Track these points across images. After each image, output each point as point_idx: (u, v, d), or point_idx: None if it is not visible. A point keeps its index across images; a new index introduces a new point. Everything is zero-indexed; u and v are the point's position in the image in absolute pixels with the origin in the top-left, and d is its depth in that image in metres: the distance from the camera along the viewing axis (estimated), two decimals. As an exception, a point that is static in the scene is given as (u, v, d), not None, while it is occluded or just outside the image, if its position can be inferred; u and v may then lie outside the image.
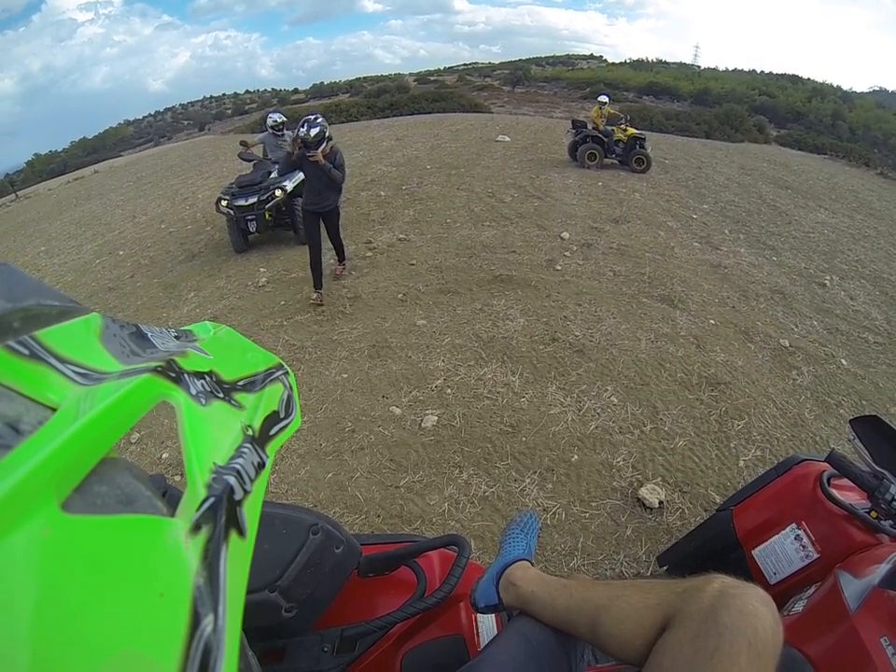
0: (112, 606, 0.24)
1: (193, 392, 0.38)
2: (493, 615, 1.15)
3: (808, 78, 52.53)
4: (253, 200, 6.53)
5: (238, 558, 0.33)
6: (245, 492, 0.36)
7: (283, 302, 5.18)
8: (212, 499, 0.32)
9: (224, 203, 6.58)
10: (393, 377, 3.79)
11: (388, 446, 3.17)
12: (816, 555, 1.42)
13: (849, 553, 1.33)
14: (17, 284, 0.33)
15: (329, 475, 3.02)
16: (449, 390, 3.60)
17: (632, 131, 10.77)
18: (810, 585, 1.35)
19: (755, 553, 1.56)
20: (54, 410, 0.27)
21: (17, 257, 10.25)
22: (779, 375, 3.92)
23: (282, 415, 0.49)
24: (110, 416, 0.29)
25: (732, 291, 5.27)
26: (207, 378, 0.41)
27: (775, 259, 6.64)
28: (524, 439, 3.15)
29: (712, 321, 4.53)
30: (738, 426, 3.29)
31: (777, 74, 55.05)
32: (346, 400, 3.60)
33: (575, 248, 6.00)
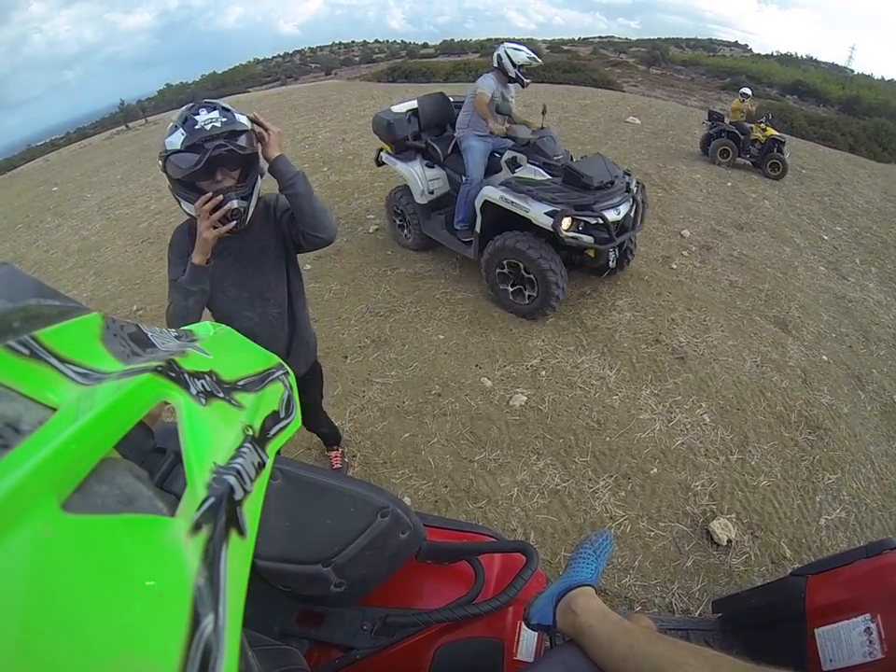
0: (112, 606, 0.24)
1: (193, 392, 0.38)
2: (535, 636, 1.13)
3: None
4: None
5: (238, 558, 0.33)
6: (246, 492, 0.36)
7: (389, 253, 5.21)
8: (212, 499, 0.32)
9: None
10: (490, 347, 3.77)
11: (471, 417, 3.17)
12: (880, 655, 1.32)
13: None
14: (17, 284, 0.33)
15: (406, 435, 3.06)
16: (543, 372, 3.55)
17: (771, 131, 10.00)
18: None
19: (818, 632, 1.47)
20: (54, 410, 0.27)
21: (139, 176, 10.82)
22: (885, 435, 3.58)
23: (282, 415, 0.50)
24: (110, 416, 0.29)
25: (852, 329, 4.86)
26: (207, 378, 0.42)
27: None
28: (607, 438, 3.09)
29: (825, 357, 4.21)
30: (829, 479, 3.07)
31: None
32: (438, 363, 3.60)
33: (694, 249, 5.72)
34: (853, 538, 2.70)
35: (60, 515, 0.24)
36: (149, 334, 0.43)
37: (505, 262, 3.94)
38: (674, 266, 5.19)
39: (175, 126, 1.54)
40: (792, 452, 3.19)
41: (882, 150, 24.38)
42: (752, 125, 10.15)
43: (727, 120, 10.23)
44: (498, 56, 4.26)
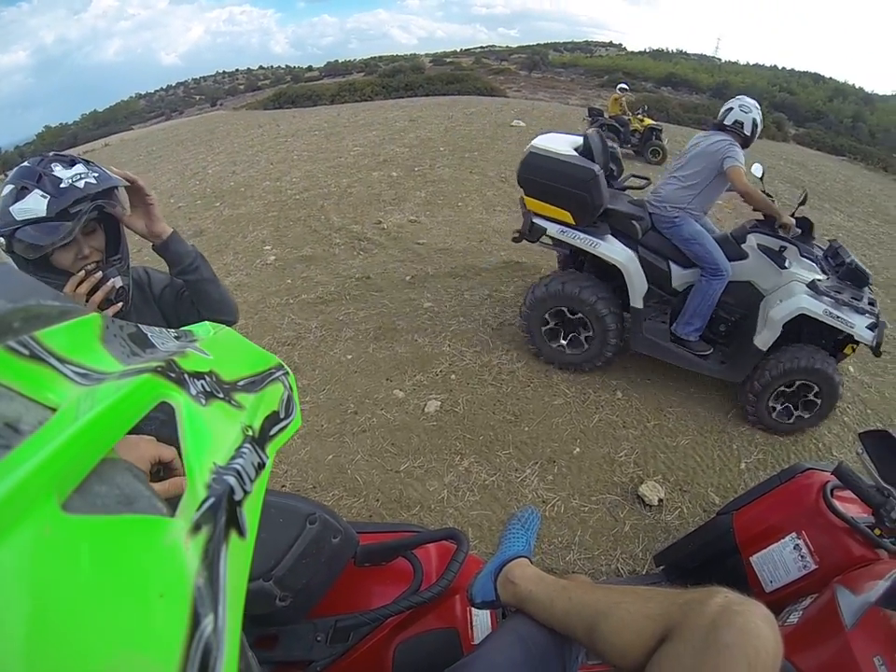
0: (112, 606, 0.24)
1: (193, 392, 0.37)
2: (488, 615, 1.15)
3: (830, 78, 52.43)
4: None
5: (238, 558, 0.33)
6: (245, 492, 0.36)
7: (289, 281, 5.15)
8: (212, 500, 0.32)
9: None
10: (398, 360, 3.77)
11: (390, 430, 3.16)
12: (814, 566, 1.43)
13: (848, 568, 1.33)
14: (17, 284, 0.33)
15: (330, 457, 3.02)
16: (454, 375, 3.58)
17: (649, 121, 10.69)
18: (806, 597, 1.36)
19: (753, 559, 1.56)
20: (54, 410, 0.27)
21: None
22: None
23: (282, 415, 0.49)
24: (110, 416, 0.28)
25: None
26: (207, 378, 0.41)
27: None
28: (526, 428, 3.14)
29: None
30: (742, 427, 3.28)
31: (798, 71, 54.83)
32: (350, 382, 3.59)
33: None
34: (773, 474, 2.89)
35: (60, 515, 0.24)
36: (149, 334, 0.42)
37: (782, 385, 3.15)
38: None
39: (27, 188, 1.20)
40: (704, 409, 3.38)
41: (754, 128, 26.15)
42: (630, 117, 10.72)
43: (607, 115, 10.73)
44: (741, 121, 3.34)
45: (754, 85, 43.47)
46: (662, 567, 2.16)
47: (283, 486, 2.89)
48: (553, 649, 0.90)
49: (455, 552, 1.07)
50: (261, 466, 0.40)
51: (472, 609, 1.13)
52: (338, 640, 1.03)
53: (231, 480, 0.34)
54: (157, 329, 0.45)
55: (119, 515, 0.27)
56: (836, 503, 1.44)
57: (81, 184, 1.21)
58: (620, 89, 11.13)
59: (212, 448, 0.36)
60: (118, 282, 1.32)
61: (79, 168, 1.24)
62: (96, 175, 1.25)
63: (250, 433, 0.41)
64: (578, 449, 3.01)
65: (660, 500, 2.71)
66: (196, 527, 0.30)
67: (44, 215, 1.17)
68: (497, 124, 13.03)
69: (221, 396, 0.41)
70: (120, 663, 0.23)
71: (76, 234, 1.22)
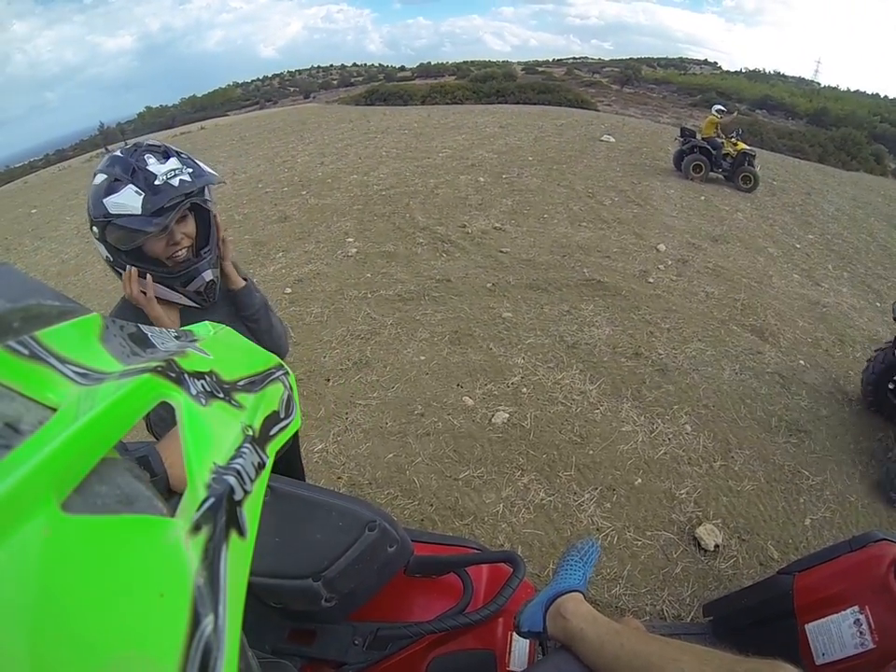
0: (112, 606, 0.24)
1: (193, 392, 0.38)
2: (527, 644, 1.13)
3: None
4: None
5: (238, 558, 0.33)
6: (246, 492, 0.36)
7: (369, 275, 5.23)
8: (212, 500, 0.32)
9: None
10: (471, 367, 3.78)
11: (455, 436, 3.17)
12: (872, 646, 1.35)
13: None
14: (17, 284, 0.33)
15: (390, 455, 3.05)
16: (525, 389, 3.55)
17: (742, 146, 10.22)
18: None
19: (809, 627, 1.49)
20: (54, 410, 0.27)
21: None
22: (866, 435, 3.62)
23: (282, 415, 0.50)
24: (110, 416, 0.28)
25: (827, 333, 4.95)
26: (207, 378, 0.41)
27: (878, 304, 6.18)
28: (591, 452, 3.09)
29: (802, 362, 4.28)
30: (812, 481, 3.10)
31: None
32: (420, 383, 3.61)
33: (670, 262, 5.82)
34: (839, 535, 2.72)
35: (60, 515, 0.24)
36: (149, 334, 0.43)
37: None
38: (651, 280, 5.25)
39: (120, 180, 1.18)
40: (775, 456, 3.22)
41: (850, 159, 24.93)
42: (723, 140, 10.32)
43: (699, 136, 10.37)
44: None
45: (854, 113, 41.13)
46: (710, 619, 2.08)
47: (339, 478, 2.93)
48: None
49: (511, 577, 1.05)
50: (261, 466, 0.40)
51: (513, 634, 1.10)
52: (375, 647, 1.03)
53: (232, 480, 0.35)
54: (157, 328, 0.45)
55: (119, 515, 0.28)
56: None
57: (176, 181, 1.19)
58: (717, 110, 10.70)
59: (212, 448, 0.36)
60: (208, 275, 1.33)
61: (174, 163, 1.22)
62: (191, 170, 1.23)
63: (250, 433, 0.41)
64: (639, 480, 2.94)
65: (716, 546, 2.61)
66: (196, 527, 0.30)
67: (139, 213, 1.16)
68: (586, 137, 12.91)
69: (221, 396, 0.42)
70: (121, 662, 0.23)
71: (169, 227, 1.23)
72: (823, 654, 1.43)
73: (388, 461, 3.00)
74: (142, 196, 1.16)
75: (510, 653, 1.09)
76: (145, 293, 1.28)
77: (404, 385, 3.59)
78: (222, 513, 0.32)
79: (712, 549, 2.58)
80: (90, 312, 0.36)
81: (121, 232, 1.19)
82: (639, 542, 2.61)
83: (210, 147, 17.58)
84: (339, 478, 2.93)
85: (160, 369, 0.35)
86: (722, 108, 10.96)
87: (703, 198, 8.85)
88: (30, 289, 0.34)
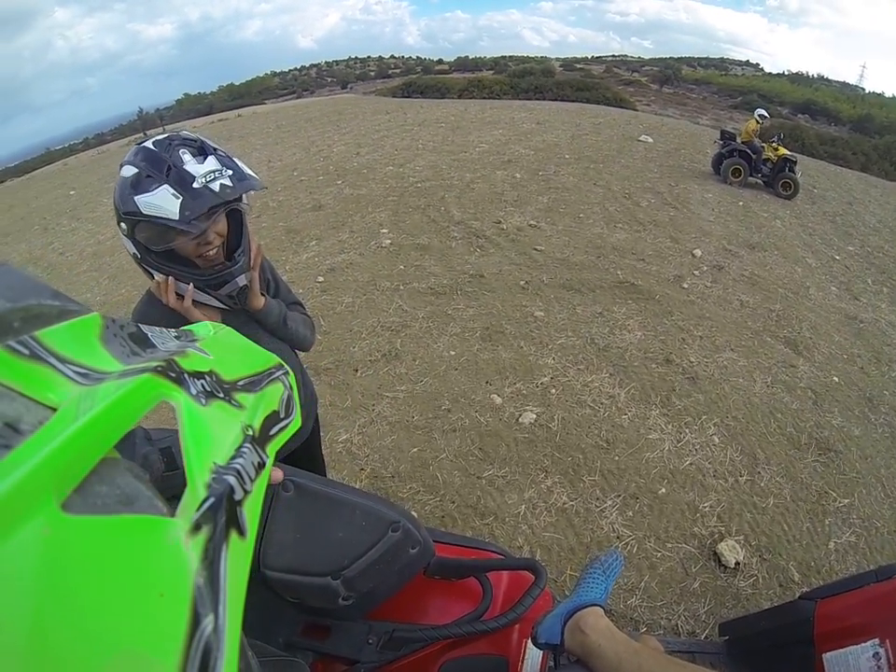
0: (112, 606, 0.24)
1: (193, 392, 0.38)
2: (540, 654, 1.13)
3: None
4: None
5: (238, 558, 0.33)
6: (246, 492, 0.36)
7: (402, 267, 5.26)
8: (212, 499, 0.32)
9: None
10: (501, 364, 3.78)
11: (481, 434, 3.17)
12: None
13: None
14: (17, 283, 0.33)
15: (415, 450, 3.06)
16: (554, 390, 3.55)
17: (783, 151, 10.01)
18: None
19: (826, 656, 1.46)
20: (54, 410, 0.27)
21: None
22: None
23: (282, 415, 0.50)
24: (110, 416, 0.28)
25: (864, 350, 4.84)
26: (207, 378, 0.41)
27: None
28: (616, 458, 3.08)
29: (836, 378, 4.20)
30: (839, 503, 3.04)
31: None
32: (448, 378, 3.61)
33: (705, 268, 5.75)
34: (863, 561, 2.68)
35: (60, 515, 0.24)
36: (149, 334, 0.43)
37: None
38: (685, 286, 5.20)
39: (153, 178, 1.10)
40: (802, 474, 3.17)
41: (894, 169, 24.34)
42: (764, 144, 10.14)
43: (739, 140, 10.21)
44: None
45: (901, 121, 40.32)
46: (726, 638, 2.05)
47: (361, 470, 2.95)
48: None
49: (531, 586, 1.04)
50: (261, 465, 0.40)
51: (528, 641, 1.09)
52: (389, 648, 1.03)
53: (232, 480, 0.35)
54: (157, 328, 0.45)
55: (119, 515, 0.28)
56: None
57: (216, 186, 1.11)
58: (759, 115, 10.51)
59: (212, 448, 0.36)
60: (241, 280, 1.28)
61: (213, 163, 1.14)
62: (231, 173, 1.15)
63: (250, 433, 0.41)
64: (663, 490, 2.91)
65: (737, 563, 2.58)
66: (196, 527, 0.30)
67: (176, 219, 1.08)
68: (624, 137, 12.76)
69: (221, 395, 0.42)
70: (121, 662, 0.23)
71: (206, 231, 1.17)
72: None
73: (412, 455, 3.02)
74: (180, 200, 1.07)
75: (522, 661, 1.09)
76: (181, 298, 1.23)
77: (432, 380, 3.60)
78: (222, 513, 0.32)
79: (733, 566, 2.55)
80: (90, 312, 0.36)
81: (153, 232, 1.14)
82: (659, 554, 2.59)
83: (246, 134, 17.88)
84: (361, 469, 2.95)
85: (160, 368, 0.35)
86: (765, 114, 10.77)
87: (741, 203, 8.72)
88: (30, 289, 0.33)
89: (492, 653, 1.08)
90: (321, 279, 5.11)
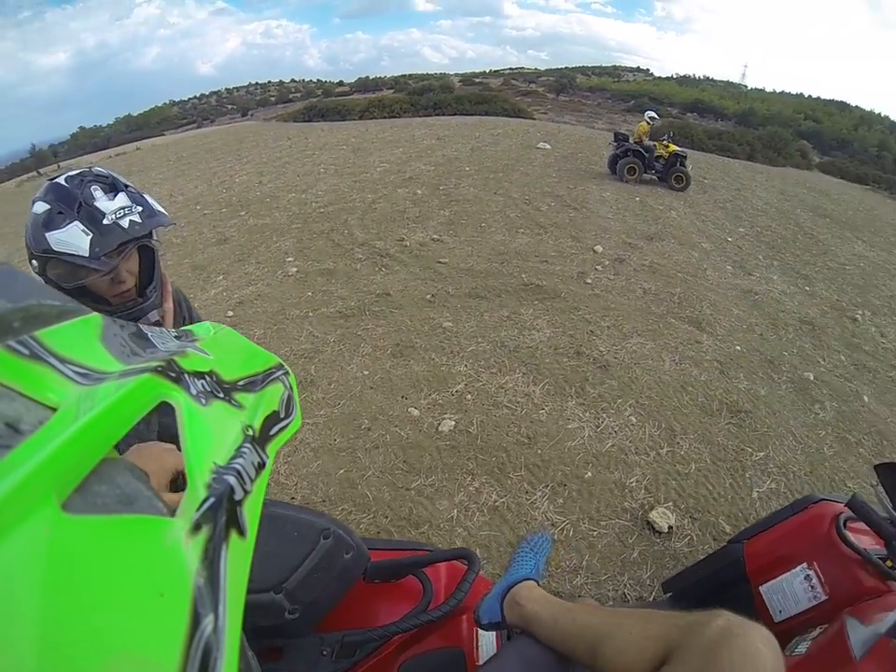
0: (112, 605, 0.24)
1: (193, 392, 0.37)
2: (493, 636, 1.15)
3: (856, 106, 52.24)
4: None
5: (238, 558, 0.32)
6: (246, 492, 0.35)
7: (310, 293, 5.21)
8: (212, 499, 0.32)
9: None
10: (414, 378, 3.78)
11: (403, 447, 3.16)
12: (824, 597, 1.42)
13: (859, 599, 1.33)
14: (17, 284, 0.33)
15: (341, 471, 3.03)
16: (469, 396, 3.58)
17: (673, 147, 10.72)
18: (815, 627, 1.35)
19: (762, 589, 1.55)
20: (54, 410, 0.27)
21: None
22: (801, 409, 3.86)
23: (282, 415, 0.49)
24: (110, 416, 0.28)
25: (761, 319, 5.22)
26: (207, 378, 0.41)
27: (807, 288, 6.57)
28: (539, 451, 3.13)
29: (738, 347, 4.49)
30: (756, 456, 3.25)
31: (824, 99, 54.84)
32: (365, 398, 3.60)
33: (607, 263, 5.98)
34: (785, 504, 2.87)
35: (60, 515, 0.24)
36: (149, 334, 0.42)
37: None
38: (589, 281, 5.39)
39: (64, 214, 1.10)
40: (718, 437, 3.35)
41: (777, 155, 26.23)
42: (656, 143, 10.77)
43: (632, 140, 10.79)
44: None
45: (780, 113, 43.49)
46: (669, 594, 2.14)
47: (293, 498, 2.90)
48: (556, 669, 0.90)
49: (467, 572, 1.07)
50: (262, 466, 0.40)
51: (479, 630, 1.12)
52: (344, 656, 1.03)
53: (232, 480, 0.34)
54: (157, 328, 0.45)
55: (120, 515, 0.27)
56: (849, 534, 1.44)
57: (126, 222, 1.13)
58: (650, 117, 11.11)
59: (212, 448, 0.36)
60: (153, 316, 1.30)
61: (123, 199, 1.15)
62: (141, 209, 1.17)
63: (250, 433, 0.41)
64: (589, 473, 2.99)
65: (670, 527, 2.69)
66: (196, 527, 0.30)
67: (86, 255, 1.09)
68: (523, 146, 13.17)
69: (221, 395, 0.41)
70: (121, 662, 0.23)
71: (117, 267, 1.17)
72: (780, 612, 1.50)
73: (339, 477, 2.98)
74: (89, 237, 1.08)
75: (477, 649, 1.11)
76: None
77: (349, 401, 3.57)
78: (222, 513, 0.32)
79: (666, 531, 2.66)
80: (90, 312, 0.36)
81: (64, 269, 1.13)
82: (595, 532, 2.66)
83: (147, 168, 17.33)
84: (292, 498, 2.90)
85: (160, 368, 0.35)
86: (655, 115, 11.38)
87: (637, 199, 9.16)
88: (30, 289, 0.33)
89: (446, 646, 1.10)
90: (231, 313, 4.98)
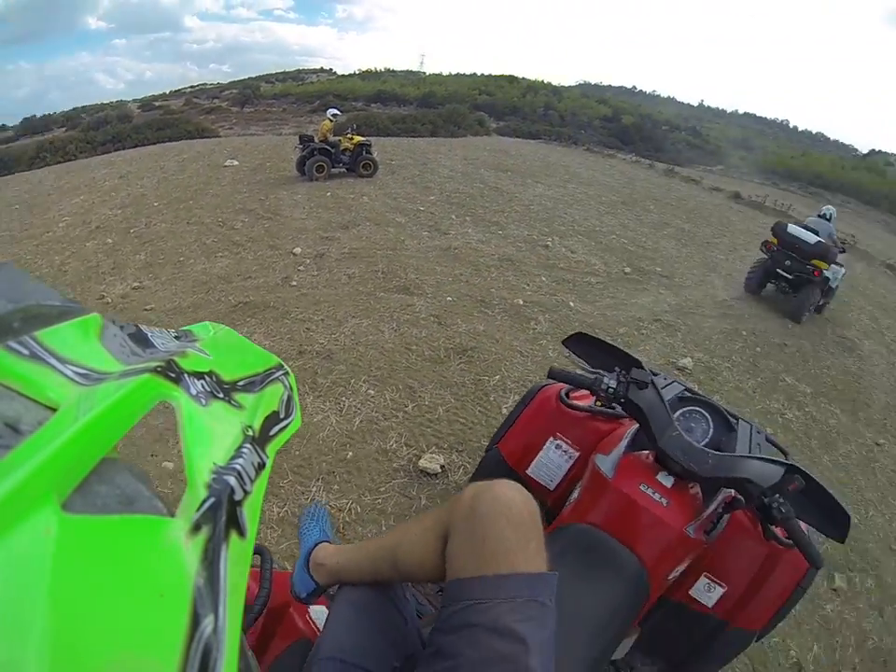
0: (113, 606, 0.24)
1: (193, 392, 0.38)
2: (324, 607, 1.20)
3: (523, 78, 59.86)
4: None
5: (238, 558, 0.33)
6: (246, 492, 0.36)
7: None
8: (212, 500, 0.32)
9: None
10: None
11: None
12: (577, 454, 1.66)
13: (600, 441, 1.55)
14: (17, 284, 0.33)
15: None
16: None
17: (358, 138, 11.21)
18: (581, 478, 1.52)
19: (529, 472, 1.73)
20: (54, 410, 0.27)
21: None
22: (520, 329, 4.48)
23: (282, 416, 0.49)
24: (110, 416, 0.29)
25: (464, 268, 5.83)
26: (207, 378, 0.42)
27: (500, 233, 7.48)
28: (296, 452, 3.17)
29: (449, 298, 4.96)
30: (493, 381, 3.65)
31: (496, 75, 61.92)
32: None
33: (308, 261, 6.12)
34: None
35: (60, 515, 0.24)
36: (149, 334, 0.43)
37: None
38: (294, 283, 5.46)
39: None
40: (455, 378, 3.68)
41: (458, 128, 29.03)
42: (341, 137, 11.18)
43: (317, 139, 11.04)
44: None
45: (457, 92, 48.13)
46: None
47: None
48: (381, 598, 0.98)
49: (262, 569, 1.07)
50: (261, 466, 0.40)
51: (311, 613, 1.19)
52: None
53: (232, 480, 0.34)
54: (157, 328, 0.46)
55: (120, 515, 0.28)
56: (572, 401, 1.69)
57: None
58: (332, 114, 11.44)
59: (212, 448, 0.36)
60: None
61: None
62: None
63: (250, 433, 0.41)
64: (350, 453, 3.09)
65: (442, 467, 2.90)
66: (196, 527, 0.30)
67: None
68: (210, 167, 12.74)
69: (221, 396, 0.42)
70: (121, 662, 0.23)
71: None
72: (551, 481, 1.69)
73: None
74: None
75: (318, 629, 1.15)
76: None
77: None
78: (222, 513, 0.32)
79: (440, 471, 2.87)
80: (90, 312, 0.37)
81: None
82: (380, 500, 2.77)
83: None
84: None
85: (160, 369, 0.35)
86: (337, 112, 11.77)
87: (329, 194, 9.42)
88: (30, 289, 0.34)
89: (295, 640, 1.13)
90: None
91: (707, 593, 1.45)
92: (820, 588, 2.89)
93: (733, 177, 29.23)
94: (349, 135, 11.30)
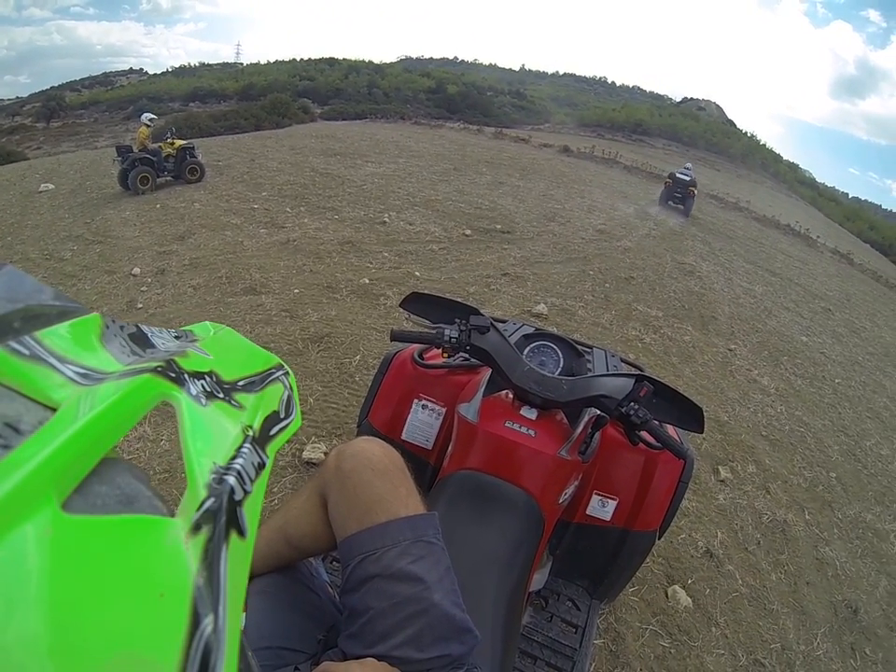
0: (112, 606, 0.24)
1: (193, 392, 0.38)
2: None
3: (344, 59, 58.99)
4: None
5: (238, 558, 0.33)
6: (246, 492, 0.36)
7: None
8: (212, 500, 0.32)
9: None
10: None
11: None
12: (443, 409, 1.71)
13: (462, 392, 1.59)
14: (17, 284, 0.34)
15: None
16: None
17: (179, 142, 10.77)
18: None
19: (403, 437, 1.76)
20: (54, 410, 0.27)
21: None
22: (371, 307, 4.64)
23: (282, 415, 0.49)
24: (110, 416, 0.29)
25: (306, 259, 5.92)
26: (207, 378, 0.42)
27: (337, 217, 7.60)
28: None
29: (297, 290, 5.04)
30: (355, 361, 3.74)
31: (315, 59, 60.54)
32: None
33: (150, 280, 5.88)
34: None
35: (60, 515, 0.24)
36: (149, 334, 0.43)
37: None
38: (140, 305, 5.24)
39: None
40: (317, 366, 3.71)
41: (282, 118, 28.39)
42: (161, 144, 10.66)
43: (136, 149, 10.43)
44: None
45: (277, 80, 46.76)
46: None
47: None
48: (288, 580, 1.01)
49: None
50: (261, 466, 0.40)
51: None
52: None
53: (232, 480, 0.35)
54: (157, 328, 0.46)
55: (120, 515, 0.28)
56: (425, 361, 1.74)
57: None
58: (148, 120, 10.80)
59: (212, 448, 0.36)
60: None
61: None
62: None
63: (250, 433, 0.41)
64: None
65: (325, 454, 2.86)
66: (196, 527, 0.30)
67: None
68: (24, 195, 11.34)
69: (221, 396, 0.42)
70: (121, 662, 0.23)
71: None
72: (427, 440, 1.74)
73: None
74: None
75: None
76: None
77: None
78: (222, 513, 0.32)
79: (324, 457, 2.84)
80: (90, 312, 0.37)
81: None
82: (275, 500, 2.71)
83: None
84: None
85: (160, 369, 0.35)
86: (152, 117, 11.13)
87: (158, 206, 9.02)
88: (30, 289, 0.34)
89: None
90: None
91: (602, 508, 1.58)
92: (710, 482, 3.33)
93: (560, 133, 30.88)
94: (170, 140, 10.80)
